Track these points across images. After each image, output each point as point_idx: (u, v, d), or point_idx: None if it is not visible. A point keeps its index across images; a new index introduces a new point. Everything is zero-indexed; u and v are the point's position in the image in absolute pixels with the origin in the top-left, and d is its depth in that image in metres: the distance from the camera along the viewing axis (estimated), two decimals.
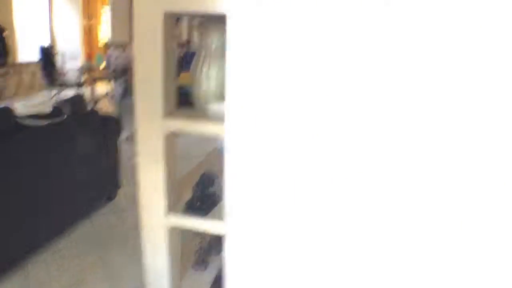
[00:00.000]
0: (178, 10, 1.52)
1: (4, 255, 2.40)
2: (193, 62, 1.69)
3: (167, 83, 1.61)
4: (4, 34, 7.68)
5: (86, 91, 7.90)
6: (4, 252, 2.39)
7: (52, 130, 2.63)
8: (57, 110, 2.74)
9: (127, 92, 7.59)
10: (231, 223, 1.54)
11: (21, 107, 2.47)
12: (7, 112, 2.41)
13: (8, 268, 2.50)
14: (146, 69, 1.60)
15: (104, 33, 10.76)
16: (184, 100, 1.80)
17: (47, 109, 2.69)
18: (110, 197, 3.45)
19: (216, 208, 1.79)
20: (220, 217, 1.75)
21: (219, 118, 1.62)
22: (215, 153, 2.49)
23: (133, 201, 3.38)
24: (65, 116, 2.73)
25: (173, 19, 1.62)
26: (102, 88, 8.39)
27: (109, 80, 7.94)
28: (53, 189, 2.72)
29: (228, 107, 1.41)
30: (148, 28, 1.56)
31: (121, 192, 3.55)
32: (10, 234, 2.40)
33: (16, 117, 2.47)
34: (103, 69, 7.52)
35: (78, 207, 3.06)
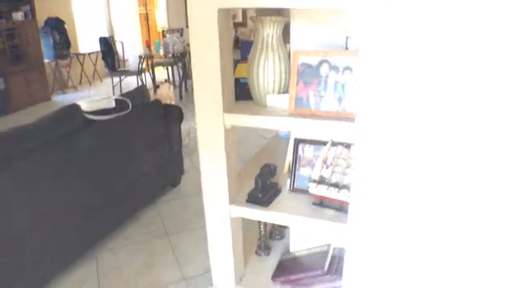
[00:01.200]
0: (232, 6, 1.53)
1: (75, 243, 2.57)
2: (250, 54, 1.70)
3: (225, 78, 1.64)
4: (65, 26, 8.05)
5: (146, 77, 8.16)
6: (75, 240, 2.55)
7: (118, 123, 2.76)
8: (122, 102, 2.85)
9: (186, 75, 7.75)
10: (354, 219, 1.53)
11: (88, 103, 2.61)
12: (76, 108, 2.55)
13: (79, 255, 2.67)
14: (203, 66, 1.63)
15: (161, 19, 10.99)
16: (242, 91, 1.82)
17: (112, 102, 2.80)
18: (174, 184, 3.58)
19: (277, 199, 1.82)
20: (280, 207, 1.78)
21: (277, 110, 1.63)
22: (275, 140, 2.52)
23: (196, 186, 3.49)
24: (130, 109, 2.84)
25: (227, 15, 1.63)
26: (161, 73, 8.63)
27: (168, 66, 8.14)
28: (121, 178, 2.86)
29: (360, 107, 1.37)
30: (203, 26, 1.57)
31: (184, 178, 3.67)
32: (81, 222, 2.56)
33: (84, 112, 2.60)
34: (162, 55, 7.70)
35: (145, 195, 3.21)
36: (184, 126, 3.58)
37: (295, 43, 1.84)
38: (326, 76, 1.52)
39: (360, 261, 1.57)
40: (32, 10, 7.32)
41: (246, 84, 1.78)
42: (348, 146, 1.72)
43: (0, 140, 2.15)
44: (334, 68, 1.51)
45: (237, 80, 1.83)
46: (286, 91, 1.66)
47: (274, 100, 1.64)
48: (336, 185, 1.60)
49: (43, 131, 2.33)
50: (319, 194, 1.66)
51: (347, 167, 1.64)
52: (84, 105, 2.64)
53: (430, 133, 1.31)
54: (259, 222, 2.18)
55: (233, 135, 1.78)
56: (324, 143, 1.77)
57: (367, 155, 1.41)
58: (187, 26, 8.65)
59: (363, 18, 1.28)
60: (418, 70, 1.26)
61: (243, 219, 1.95)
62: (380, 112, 1.34)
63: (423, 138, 1.32)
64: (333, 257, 1.88)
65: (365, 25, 1.28)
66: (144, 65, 7.91)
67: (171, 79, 8.36)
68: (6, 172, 2.09)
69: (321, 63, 1.54)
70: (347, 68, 1.48)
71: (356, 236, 1.54)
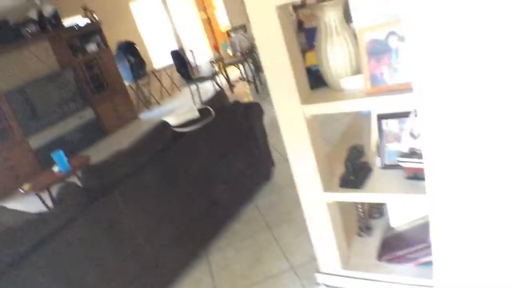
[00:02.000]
0: (288, 1, 1.55)
1: (187, 246, 2.75)
2: (316, 42, 1.72)
3: (296, 70, 1.67)
4: (136, 47, 8.49)
5: (221, 79, 8.38)
6: (186, 245, 2.73)
7: (205, 130, 2.89)
8: (205, 111, 2.99)
9: (258, 69, 7.86)
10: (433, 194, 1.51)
11: (174, 117, 2.79)
12: (165, 125, 2.73)
13: (192, 258, 2.85)
14: (273, 63, 1.67)
15: (223, 20, 11.20)
16: (315, 78, 1.84)
17: (196, 112, 2.95)
18: (268, 177, 3.67)
19: (370, 179, 1.82)
20: (374, 186, 1.77)
21: (354, 92, 1.63)
22: (358, 117, 2.49)
23: (288, 177, 3.56)
24: (213, 115, 2.97)
25: (286, 8, 1.65)
26: (234, 72, 8.81)
27: (239, 64, 8.29)
28: (218, 181, 3.00)
29: (415, 75, 1.34)
30: (264, 24, 1.61)
31: (275, 170, 3.74)
32: (189, 228, 2.73)
33: (172, 127, 2.77)
34: (231, 55, 7.86)
35: (242, 193, 3.33)
36: (266, 119, 3.65)
37: (358, 20, 1.81)
38: (397, 48, 1.50)
39: (446, 229, 1.52)
40: (103, 39, 7.80)
41: (318, 71, 1.79)
42: None
43: (103, 168, 2.37)
44: (402, 38, 1.48)
45: (308, 69, 1.86)
46: (359, 70, 1.65)
47: (349, 83, 1.65)
48: None
49: (140, 153, 2.52)
50: (411, 166, 1.64)
51: None
52: (171, 120, 2.80)
53: (496, 94, 1.23)
54: (356, 203, 2.19)
55: (315, 123, 1.81)
56: (407, 114, 1.74)
57: (432, 124, 1.36)
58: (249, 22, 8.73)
59: None
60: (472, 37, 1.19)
61: (340, 202, 1.97)
62: (439, 78, 1.28)
63: (487, 100, 1.25)
64: None
65: None
66: (216, 68, 8.13)
67: (244, 76, 8.51)
68: (115, 196, 2.30)
69: (388, 35, 1.51)
70: None
71: (438, 204, 1.49)
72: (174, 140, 2.74)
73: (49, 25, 6.92)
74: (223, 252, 2.90)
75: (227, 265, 2.76)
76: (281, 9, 1.58)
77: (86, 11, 7.70)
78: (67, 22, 7.34)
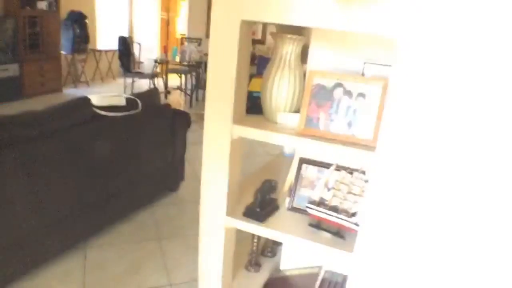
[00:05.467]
0: (256, 19, 1.55)
1: (66, 234, 2.54)
2: (266, 70, 1.72)
3: (239, 90, 1.65)
4: (86, 21, 8.14)
5: (159, 82, 8.22)
6: (67, 231, 2.53)
7: (126, 121, 2.77)
8: (132, 102, 2.87)
9: (198, 85, 7.81)
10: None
11: (99, 97, 2.65)
12: (86, 101, 2.57)
13: (69, 247, 2.65)
14: (219, 75, 1.64)
15: (181, 27, 11.10)
16: (254, 104, 1.83)
17: (123, 100, 2.82)
18: (173, 189, 3.58)
19: (274, 216, 1.81)
20: (277, 224, 1.77)
21: (286, 128, 1.64)
22: (280, 158, 2.52)
23: (194, 194, 3.49)
24: (139, 109, 2.86)
25: (249, 27, 1.65)
26: (174, 80, 8.69)
27: (182, 73, 8.20)
28: (122, 176, 2.86)
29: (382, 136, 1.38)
30: (224, 35, 1.60)
31: (183, 184, 3.67)
32: (75, 214, 2.54)
33: (93, 106, 2.62)
34: (177, 62, 7.76)
35: (143, 196, 3.21)
36: (190, 134, 3.59)
37: (312, 64, 1.85)
38: (339, 100, 1.53)
39: None
40: (57, 1, 7.42)
41: (258, 98, 1.79)
42: (351, 172, 1.72)
43: (9, 123, 2.17)
44: (347, 92, 1.52)
45: (250, 94, 1.85)
46: (297, 110, 1.67)
47: (285, 118, 1.65)
48: (335, 209, 1.60)
49: (51, 119, 2.35)
50: (317, 215, 1.65)
51: (348, 192, 1.64)
52: (95, 100, 2.66)
53: (453, 173, 1.30)
54: (253, 236, 2.17)
55: (239, 147, 1.78)
56: (328, 166, 1.77)
57: (383, 186, 1.40)
58: (206, 37, 8.74)
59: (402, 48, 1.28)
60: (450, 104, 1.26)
61: (237, 232, 1.94)
62: (403, 144, 1.33)
63: (444, 176, 1.31)
64: (323, 280, 1.86)
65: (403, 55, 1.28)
66: (158, 70, 7.97)
67: (183, 87, 8.41)
68: (8, 154, 2.09)
69: (335, 86, 1.55)
70: (361, 94, 1.49)
71: (362, 266, 1.52)
72: (91, 120, 2.60)
73: None
74: (103, 251, 2.74)
75: (103, 264, 2.60)
76: (245, 25, 1.57)
77: None
78: None
